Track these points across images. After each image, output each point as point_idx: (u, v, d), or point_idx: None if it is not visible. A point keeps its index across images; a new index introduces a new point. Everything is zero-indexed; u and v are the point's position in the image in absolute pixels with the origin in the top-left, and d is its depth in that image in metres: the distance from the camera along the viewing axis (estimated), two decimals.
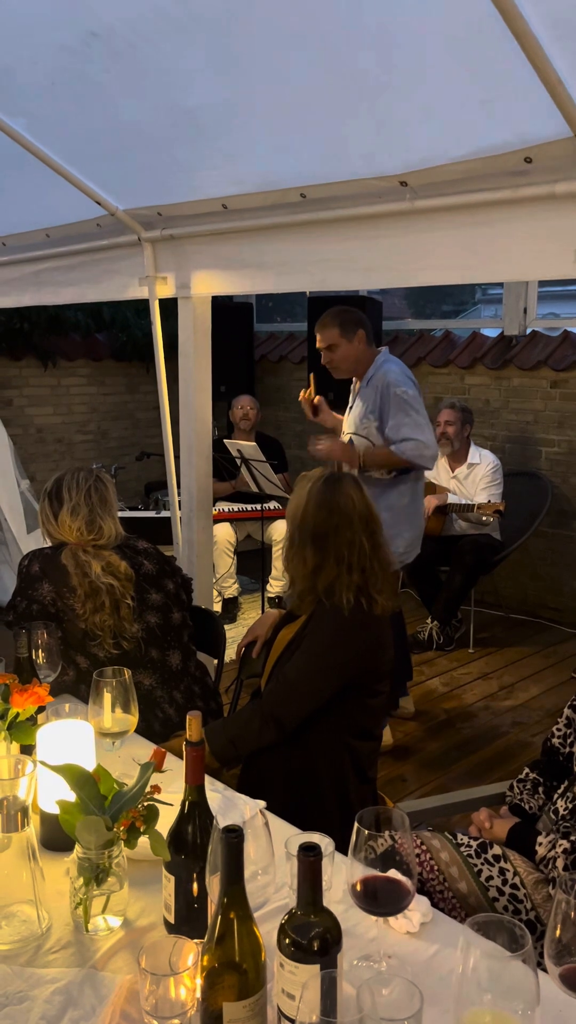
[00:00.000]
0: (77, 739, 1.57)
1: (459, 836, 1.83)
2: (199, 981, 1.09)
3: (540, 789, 1.97)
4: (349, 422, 3.57)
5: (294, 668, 2.08)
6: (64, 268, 3.86)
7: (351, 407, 3.60)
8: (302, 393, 3.70)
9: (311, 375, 3.71)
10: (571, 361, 4.96)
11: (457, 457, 4.86)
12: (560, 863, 1.67)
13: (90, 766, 1.44)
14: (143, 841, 1.36)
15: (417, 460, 3.35)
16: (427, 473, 4.97)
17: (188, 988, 1.11)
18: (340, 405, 3.81)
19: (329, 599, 2.07)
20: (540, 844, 1.73)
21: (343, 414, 3.69)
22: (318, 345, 3.55)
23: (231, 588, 5.23)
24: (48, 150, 3.05)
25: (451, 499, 4.73)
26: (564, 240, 2.13)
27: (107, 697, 1.76)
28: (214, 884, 1.14)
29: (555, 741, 1.99)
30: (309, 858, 1.06)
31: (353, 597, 2.05)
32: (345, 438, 3.51)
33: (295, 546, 2.13)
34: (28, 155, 3.05)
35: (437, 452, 3.56)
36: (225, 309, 6.18)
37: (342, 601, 2.05)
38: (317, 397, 3.67)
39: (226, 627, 3.31)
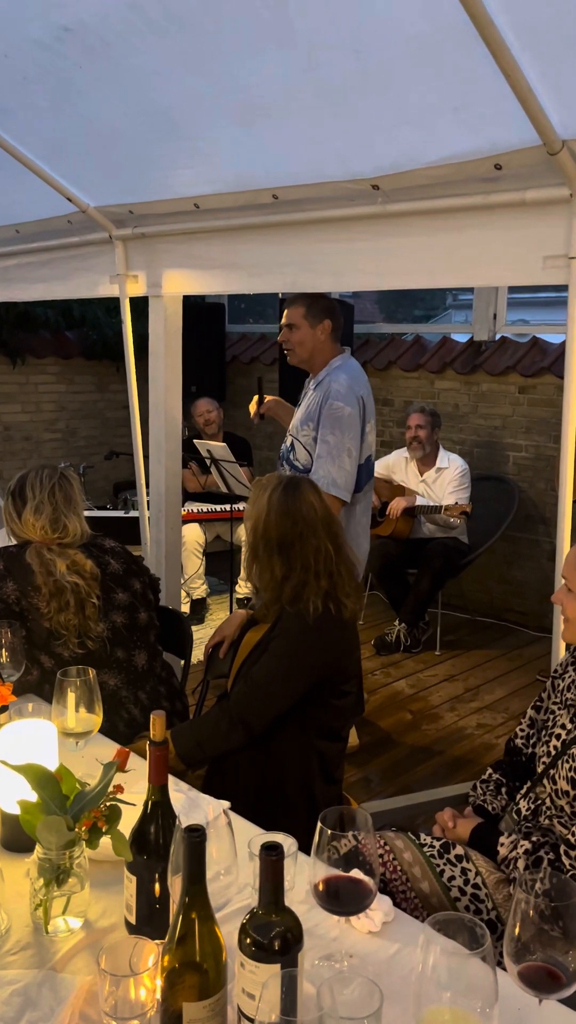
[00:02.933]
0: (40, 739, 1.55)
1: (422, 836, 1.84)
2: (159, 982, 1.08)
3: (503, 790, 1.98)
4: (294, 423, 3.45)
5: (262, 670, 2.07)
6: (34, 264, 3.83)
7: (299, 404, 3.49)
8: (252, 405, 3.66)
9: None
10: (539, 367, 5.02)
11: (426, 461, 4.89)
12: (521, 863, 1.68)
13: (52, 766, 1.42)
14: (105, 841, 1.35)
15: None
16: (396, 476, 5.02)
17: (148, 989, 1.10)
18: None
19: (295, 606, 2.07)
20: (502, 845, 1.74)
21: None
22: (281, 320, 3.35)
23: (199, 589, 5.22)
24: (19, 145, 3.02)
25: (419, 501, 4.76)
26: (533, 247, 2.15)
27: (71, 697, 1.75)
28: (176, 884, 1.14)
29: (518, 742, 2.00)
30: (271, 857, 1.06)
31: (321, 603, 2.05)
32: (288, 439, 3.44)
33: (260, 557, 2.09)
34: None
35: (347, 487, 3.21)
36: (197, 309, 6.17)
37: (309, 607, 2.04)
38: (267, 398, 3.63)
39: (194, 628, 3.29)
